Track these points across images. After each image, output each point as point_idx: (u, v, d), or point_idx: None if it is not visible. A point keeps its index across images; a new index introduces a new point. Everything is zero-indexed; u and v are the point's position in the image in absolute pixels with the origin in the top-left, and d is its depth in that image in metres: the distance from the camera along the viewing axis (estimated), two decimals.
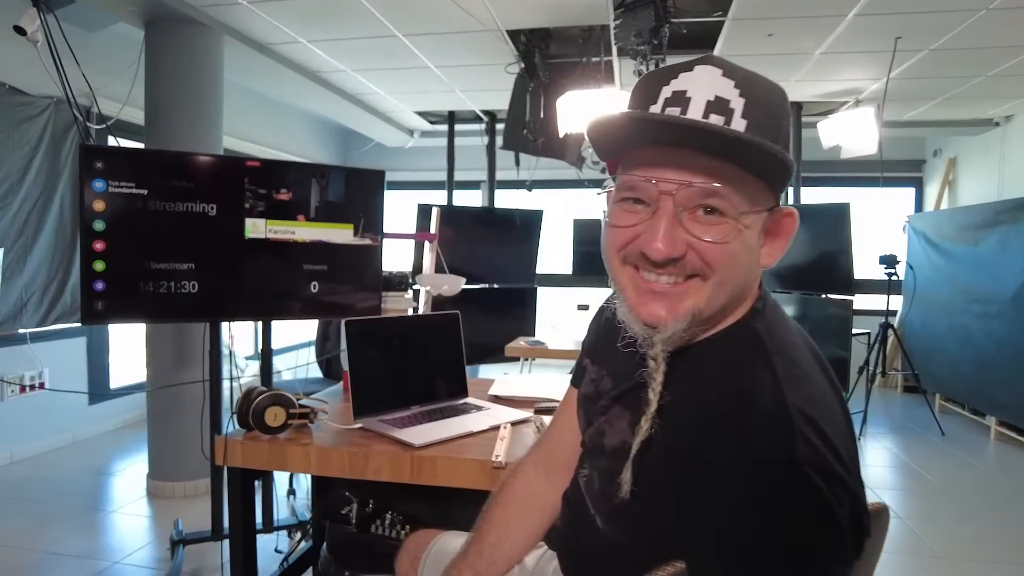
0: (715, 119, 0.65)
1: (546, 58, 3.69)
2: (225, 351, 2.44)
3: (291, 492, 2.99)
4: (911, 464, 4.03)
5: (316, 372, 3.91)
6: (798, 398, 0.65)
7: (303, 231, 2.49)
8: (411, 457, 1.38)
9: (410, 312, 2.91)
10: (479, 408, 1.70)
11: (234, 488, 1.50)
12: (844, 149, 4.58)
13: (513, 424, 1.58)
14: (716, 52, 3.81)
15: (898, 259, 4.93)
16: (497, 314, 5.03)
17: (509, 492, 1.00)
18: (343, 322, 1.58)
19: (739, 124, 0.65)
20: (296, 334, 5.41)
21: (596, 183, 4.93)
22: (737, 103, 0.65)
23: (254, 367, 4.75)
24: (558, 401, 1.73)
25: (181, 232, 2.10)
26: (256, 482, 1.61)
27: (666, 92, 0.68)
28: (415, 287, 3.47)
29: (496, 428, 1.54)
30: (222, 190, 2.22)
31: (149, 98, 3.27)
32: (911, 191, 6.77)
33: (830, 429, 0.64)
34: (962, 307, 4.74)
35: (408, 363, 1.73)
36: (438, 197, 6.13)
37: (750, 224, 0.69)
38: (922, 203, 6.68)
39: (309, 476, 2.16)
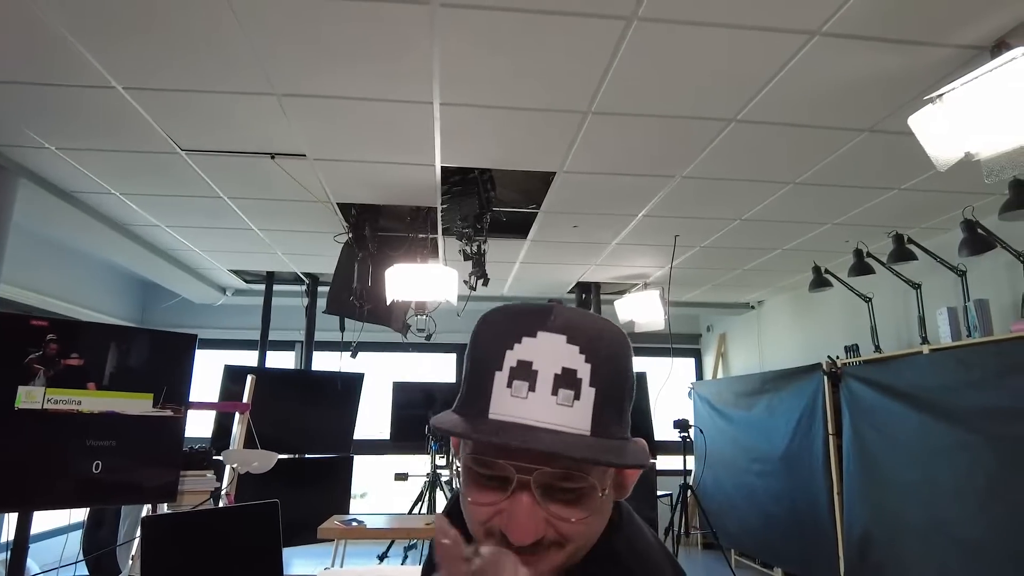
0: (563, 394, 0.64)
1: (375, 231, 3.83)
2: None
3: None
4: None
5: (79, 567, 3.24)
6: None
7: (91, 401, 2.21)
8: None
9: (211, 490, 2.60)
10: None
11: None
12: (637, 324, 5.19)
13: None
14: (530, 237, 4.25)
15: (690, 423, 5.47)
16: (307, 487, 4.65)
17: None
18: (140, 521, 1.38)
19: (587, 393, 0.64)
20: (51, 517, 4.48)
21: (420, 347, 4.99)
22: (584, 371, 0.64)
23: None
24: None
25: None
26: None
27: (511, 359, 0.65)
28: (217, 458, 3.12)
29: None
30: None
31: None
32: (691, 361, 7.72)
33: None
34: (745, 466, 5.30)
35: (216, 566, 1.51)
36: (248, 357, 5.76)
37: (607, 485, 0.67)
38: (702, 372, 7.61)
39: None
